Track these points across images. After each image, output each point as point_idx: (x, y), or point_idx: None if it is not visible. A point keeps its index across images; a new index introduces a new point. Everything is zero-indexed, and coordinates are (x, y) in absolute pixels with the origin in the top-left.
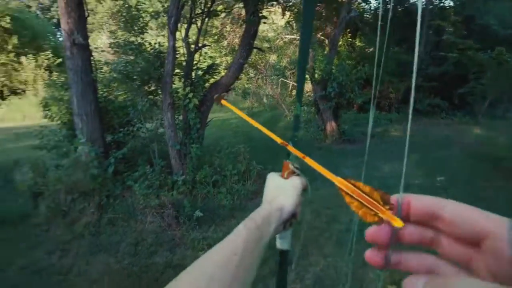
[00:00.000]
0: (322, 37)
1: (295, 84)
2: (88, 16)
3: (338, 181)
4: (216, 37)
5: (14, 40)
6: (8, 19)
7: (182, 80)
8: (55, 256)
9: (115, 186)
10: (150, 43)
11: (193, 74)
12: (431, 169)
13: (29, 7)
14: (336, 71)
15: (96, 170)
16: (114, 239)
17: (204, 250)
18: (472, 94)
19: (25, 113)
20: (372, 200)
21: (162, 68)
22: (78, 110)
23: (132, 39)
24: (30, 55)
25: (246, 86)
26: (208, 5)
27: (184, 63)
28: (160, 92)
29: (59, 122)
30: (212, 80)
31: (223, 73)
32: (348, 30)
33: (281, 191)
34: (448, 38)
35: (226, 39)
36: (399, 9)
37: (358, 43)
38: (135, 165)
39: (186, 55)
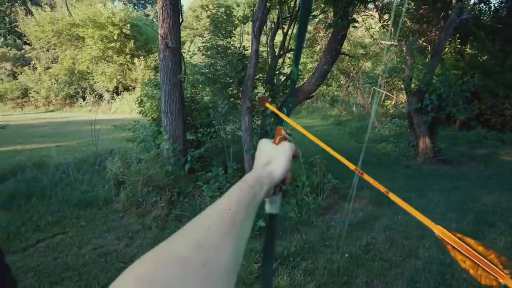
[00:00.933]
0: (425, 43)
1: (388, 94)
2: (182, 21)
3: (438, 230)
4: (308, 42)
5: (131, 44)
6: (128, 26)
7: (264, 84)
8: (123, 243)
9: (187, 184)
10: (235, 47)
11: (275, 79)
12: None
13: (148, 15)
14: (437, 81)
15: (171, 166)
16: None
17: (258, 263)
18: None
19: (132, 107)
20: (489, 263)
21: (244, 72)
22: (165, 108)
23: (220, 42)
24: (142, 57)
25: (335, 93)
26: (296, 9)
27: (267, 68)
28: (241, 96)
29: (150, 118)
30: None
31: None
32: (458, 35)
33: (273, 157)
34: None
35: (319, 44)
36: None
37: (468, 50)
38: (210, 165)
39: (270, 59)
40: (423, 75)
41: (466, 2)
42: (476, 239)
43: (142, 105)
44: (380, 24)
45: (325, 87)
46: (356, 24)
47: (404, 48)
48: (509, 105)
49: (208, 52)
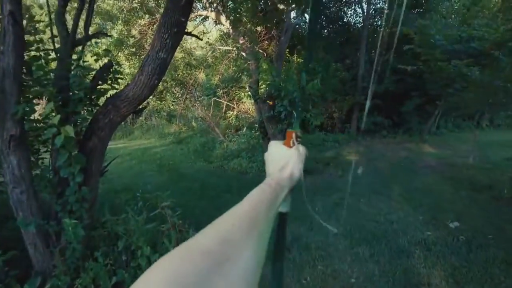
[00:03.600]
0: (261, 51)
1: (229, 104)
2: None
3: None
4: (135, 49)
5: None
6: None
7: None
8: None
9: None
10: None
11: (71, 81)
12: (434, 207)
13: None
14: (288, 84)
15: None
16: None
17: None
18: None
19: None
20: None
21: None
22: None
23: None
24: None
25: (171, 107)
26: None
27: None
28: None
29: None
30: (109, 92)
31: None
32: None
33: (289, 159)
34: (413, 48)
35: (137, 29)
36: (335, 27)
37: (297, 59)
38: None
39: (57, 50)
40: (273, 79)
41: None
42: None
43: None
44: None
45: (159, 101)
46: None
47: (244, 54)
48: (336, 108)
49: None
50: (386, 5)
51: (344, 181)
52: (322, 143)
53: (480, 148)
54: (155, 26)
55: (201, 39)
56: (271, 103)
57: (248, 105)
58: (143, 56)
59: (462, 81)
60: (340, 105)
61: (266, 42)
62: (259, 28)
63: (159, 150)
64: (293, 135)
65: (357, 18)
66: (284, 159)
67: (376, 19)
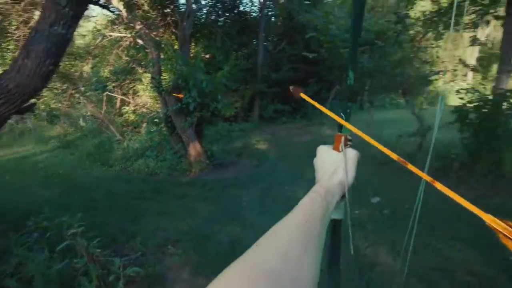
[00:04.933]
0: (158, 38)
1: (124, 98)
2: None
3: (488, 218)
4: None
5: None
6: None
7: None
8: None
9: None
10: None
11: None
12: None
13: None
14: (196, 73)
15: None
16: None
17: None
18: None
19: None
20: None
21: None
22: None
23: None
24: None
25: (53, 106)
26: None
27: None
28: None
29: None
30: None
31: None
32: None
33: (338, 164)
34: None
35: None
36: (232, 15)
37: (195, 48)
38: None
39: None
40: (179, 67)
41: None
42: None
43: None
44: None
45: (35, 99)
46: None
47: (140, 41)
48: (238, 97)
49: None
50: None
51: (261, 170)
52: (229, 133)
53: (371, 127)
54: (22, 3)
55: (112, 11)
56: (179, 95)
57: (146, 98)
58: (7, 43)
59: (357, 68)
60: (242, 94)
61: (161, 29)
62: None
63: (41, 158)
64: (342, 138)
65: (253, 7)
66: (333, 164)
67: (270, 9)
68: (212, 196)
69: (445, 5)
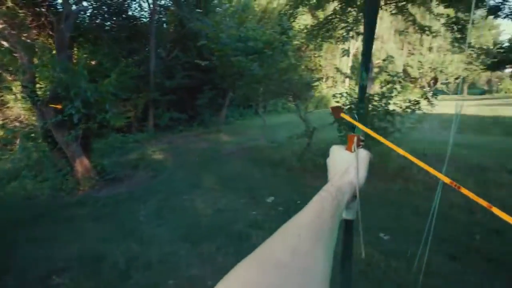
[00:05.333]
0: (29, 40)
1: None
2: None
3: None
4: None
5: None
6: None
7: None
8: None
9: None
10: None
11: None
12: (250, 188)
13: None
14: (79, 81)
15: None
16: None
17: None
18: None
19: None
20: None
21: None
22: None
23: None
24: None
25: None
26: None
27: None
28: None
29: None
30: None
31: None
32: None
33: (350, 164)
34: (207, 44)
35: None
36: (120, 20)
37: (78, 53)
38: None
39: None
40: (57, 75)
41: None
42: None
43: None
44: None
45: None
46: None
47: (5, 43)
48: (131, 107)
49: None
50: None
51: (158, 181)
52: (123, 145)
53: (265, 131)
54: None
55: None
56: (57, 106)
57: (18, 110)
58: None
59: (248, 75)
60: (135, 103)
61: (35, 31)
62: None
63: None
64: (355, 139)
65: (143, 12)
66: (345, 163)
67: (161, 16)
68: (105, 213)
69: (321, 19)
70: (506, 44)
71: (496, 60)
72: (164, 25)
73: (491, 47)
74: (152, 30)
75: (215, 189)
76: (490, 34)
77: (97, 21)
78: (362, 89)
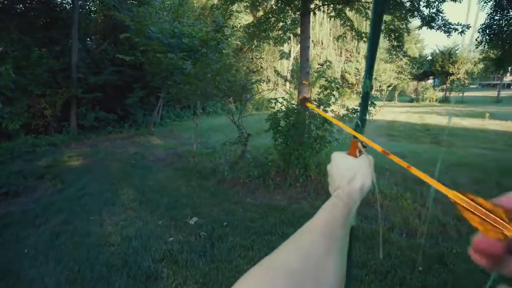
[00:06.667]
0: None
1: None
2: None
3: (453, 195)
4: None
5: None
6: None
7: None
8: None
9: None
10: None
11: None
12: (172, 206)
13: None
14: None
15: None
16: None
17: None
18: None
19: None
20: (496, 217)
21: None
22: None
23: None
24: None
25: None
26: None
27: None
28: None
29: None
30: None
31: None
32: None
33: (357, 170)
34: (130, 38)
35: None
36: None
37: None
38: None
39: None
40: None
41: None
42: None
43: None
44: None
45: None
46: None
47: None
48: (47, 104)
49: None
50: None
51: (64, 196)
52: (32, 149)
53: (200, 134)
54: None
55: None
56: None
57: None
58: None
59: (179, 74)
60: (52, 100)
61: None
62: None
63: None
64: (358, 144)
65: None
66: (352, 170)
67: (88, 2)
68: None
69: (260, 17)
70: (429, 57)
71: (422, 71)
72: (92, 15)
73: (418, 59)
74: (75, 18)
75: (131, 207)
76: (415, 47)
77: (4, 2)
78: (366, 96)
